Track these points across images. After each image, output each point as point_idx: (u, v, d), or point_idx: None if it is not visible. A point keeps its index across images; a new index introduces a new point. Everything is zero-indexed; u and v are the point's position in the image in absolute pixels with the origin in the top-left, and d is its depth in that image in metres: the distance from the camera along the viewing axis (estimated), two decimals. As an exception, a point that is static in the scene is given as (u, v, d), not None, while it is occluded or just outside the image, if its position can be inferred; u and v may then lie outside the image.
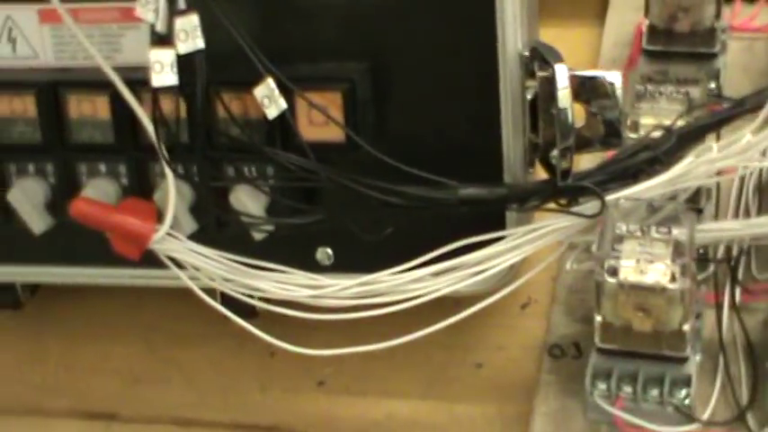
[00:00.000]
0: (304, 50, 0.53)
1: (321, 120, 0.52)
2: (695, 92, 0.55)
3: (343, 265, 0.57)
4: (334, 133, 0.53)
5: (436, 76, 0.53)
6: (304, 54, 0.53)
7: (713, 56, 0.62)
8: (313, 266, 0.56)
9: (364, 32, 0.53)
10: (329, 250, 0.57)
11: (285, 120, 0.52)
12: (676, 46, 0.62)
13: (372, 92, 0.53)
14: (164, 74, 0.49)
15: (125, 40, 0.56)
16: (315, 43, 0.53)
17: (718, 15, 0.61)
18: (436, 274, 0.53)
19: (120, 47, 0.56)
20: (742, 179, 0.59)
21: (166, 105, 0.53)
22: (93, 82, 0.55)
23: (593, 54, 0.70)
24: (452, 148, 0.54)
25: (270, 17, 0.53)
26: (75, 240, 0.59)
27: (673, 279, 0.49)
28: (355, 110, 0.52)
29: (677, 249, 0.49)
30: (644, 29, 0.63)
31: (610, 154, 0.57)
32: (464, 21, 0.52)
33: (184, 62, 0.49)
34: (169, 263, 0.54)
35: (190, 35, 0.49)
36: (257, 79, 0.51)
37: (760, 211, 0.59)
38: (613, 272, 0.50)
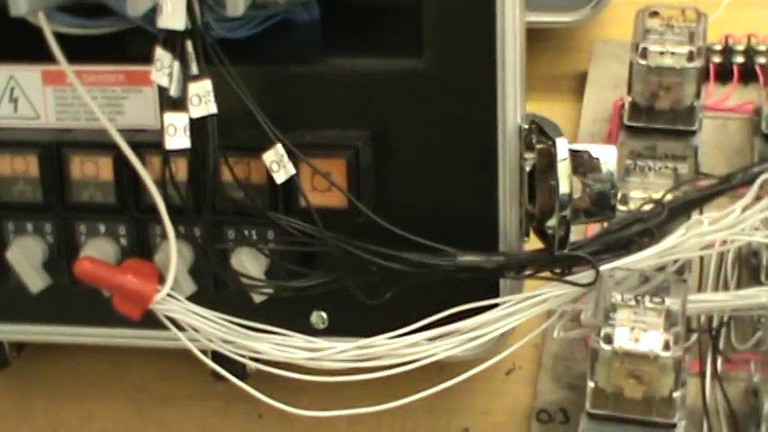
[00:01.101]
0: (308, 118, 0.55)
1: (324, 186, 0.54)
2: (683, 167, 0.57)
3: (336, 329, 0.58)
4: (337, 199, 0.54)
5: (437, 146, 0.54)
6: (308, 121, 0.55)
7: (692, 133, 0.64)
8: (307, 329, 0.57)
9: (367, 102, 0.54)
10: (324, 314, 0.58)
11: (289, 185, 0.53)
12: (657, 123, 0.64)
13: (375, 160, 0.55)
14: (177, 137, 0.50)
15: (127, 102, 0.57)
16: (319, 111, 0.55)
17: (698, 95, 0.63)
18: (431, 339, 0.54)
19: (123, 109, 0.57)
20: (721, 252, 0.61)
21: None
22: (97, 143, 0.56)
23: (572, 129, 0.72)
24: (451, 216, 0.55)
25: (275, 85, 0.55)
26: (69, 299, 0.59)
27: (666, 347, 0.50)
28: (358, 177, 0.54)
29: (669, 318, 0.51)
30: (626, 105, 0.65)
31: (591, 227, 0.60)
32: (465, 93, 0.54)
33: (196, 126, 0.50)
34: (169, 324, 0.55)
35: (203, 100, 0.50)
36: (263, 145, 0.52)
37: (739, 284, 0.61)
38: (608, 340, 0.51)
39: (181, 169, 0.53)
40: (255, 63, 0.55)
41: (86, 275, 0.54)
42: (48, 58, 0.55)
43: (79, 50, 0.54)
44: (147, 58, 0.51)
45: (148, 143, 0.55)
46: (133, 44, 0.58)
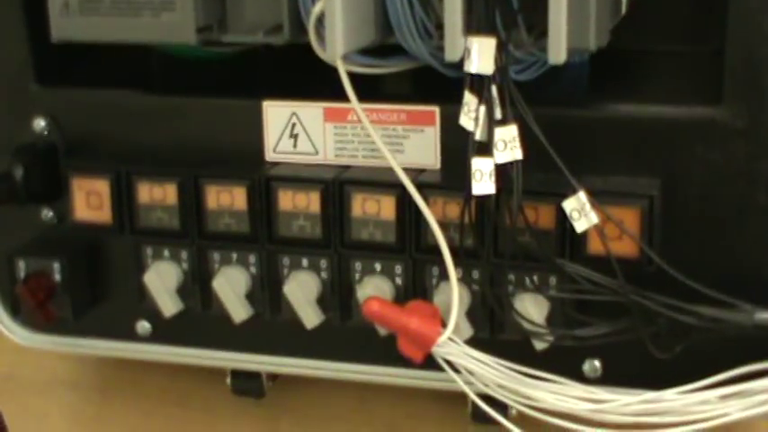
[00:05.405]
0: (592, 164, 0.54)
1: (614, 234, 0.53)
2: None
3: (610, 379, 0.56)
4: (626, 248, 0.53)
5: (729, 195, 0.53)
6: (592, 167, 0.54)
7: None
8: (579, 378, 0.56)
9: (657, 149, 0.53)
10: (597, 363, 0.57)
11: (579, 232, 0.52)
12: None
13: (665, 209, 0.53)
14: (483, 182, 0.49)
15: (408, 142, 0.57)
16: (604, 157, 0.54)
17: None
18: (723, 398, 0.52)
19: (403, 149, 0.57)
20: None
21: (452, 210, 0.55)
22: (379, 182, 0.56)
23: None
24: (744, 269, 0.54)
25: (560, 129, 0.54)
26: (339, 337, 0.60)
27: None
28: (651, 226, 0.52)
29: None
30: None
31: None
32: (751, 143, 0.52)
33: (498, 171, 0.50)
34: (446, 366, 0.54)
35: (508, 145, 0.49)
36: (554, 190, 0.52)
37: None
38: None
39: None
40: (542, 107, 0.54)
41: (374, 315, 0.53)
42: (328, 95, 0.56)
43: (360, 88, 0.54)
44: (428, 98, 0.53)
45: (429, 183, 0.55)
46: (413, 84, 0.58)
